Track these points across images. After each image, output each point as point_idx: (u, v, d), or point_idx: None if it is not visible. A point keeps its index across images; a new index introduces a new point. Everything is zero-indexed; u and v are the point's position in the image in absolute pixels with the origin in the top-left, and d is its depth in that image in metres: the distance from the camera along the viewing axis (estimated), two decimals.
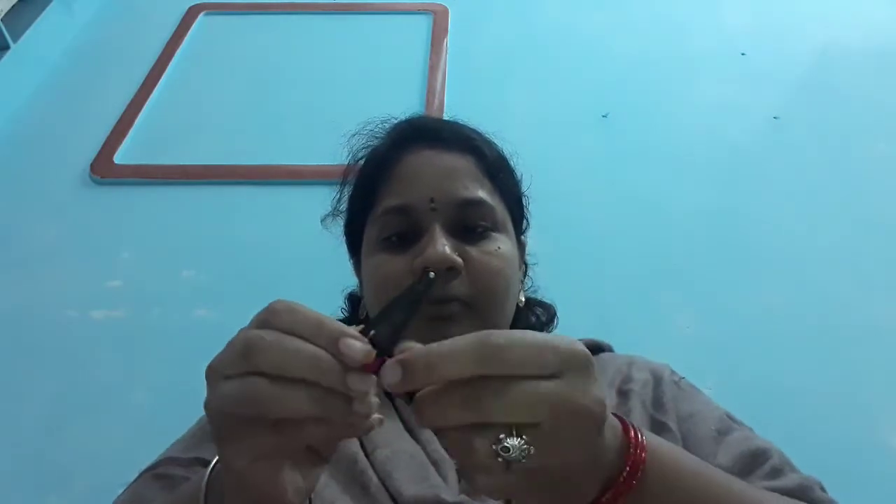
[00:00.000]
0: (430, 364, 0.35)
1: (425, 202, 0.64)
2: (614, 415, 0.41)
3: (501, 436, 0.34)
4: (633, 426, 0.42)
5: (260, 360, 0.35)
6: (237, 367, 0.36)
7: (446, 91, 1.89)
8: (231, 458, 0.38)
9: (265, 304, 0.38)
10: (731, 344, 1.36)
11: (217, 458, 0.45)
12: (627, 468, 0.40)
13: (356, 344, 0.35)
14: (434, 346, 0.35)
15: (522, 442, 0.34)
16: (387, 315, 0.38)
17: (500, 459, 0.33)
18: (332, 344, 0.35)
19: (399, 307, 0.38)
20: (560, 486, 0.38)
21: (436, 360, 0.35)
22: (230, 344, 0.37)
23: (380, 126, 0.75)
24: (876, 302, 1.42)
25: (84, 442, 1.21)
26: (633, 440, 0.41)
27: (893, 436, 1.22)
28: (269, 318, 0.37)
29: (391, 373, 0.35)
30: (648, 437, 0.42)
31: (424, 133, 0.70)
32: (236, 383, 0.36)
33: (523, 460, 0.33)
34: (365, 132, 0.75)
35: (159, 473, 0.60)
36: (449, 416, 0.35)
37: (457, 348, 0.35)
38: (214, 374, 0.38)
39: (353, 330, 0.36)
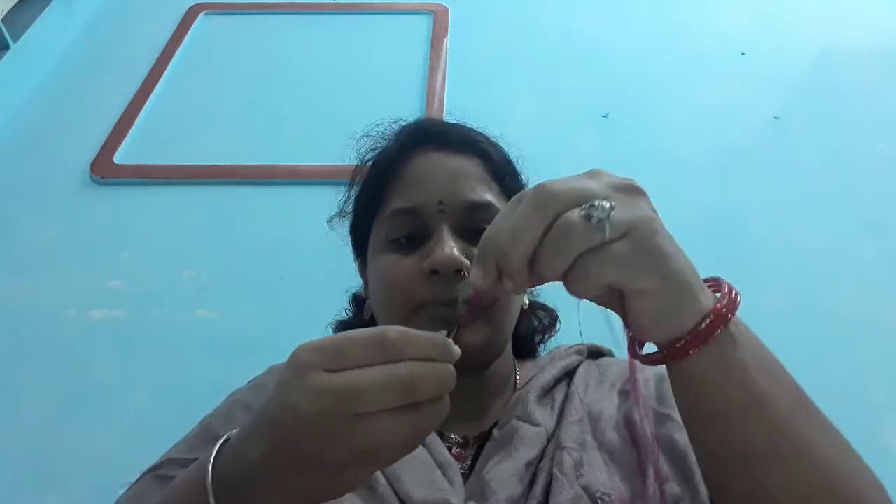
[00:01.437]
0: (487, 235, 0.43)
1: (433, 204, 0.64)
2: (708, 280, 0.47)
3: (584, 205, 0.39)
4: (728, 284, 0.46)
5: (427, 390, 0.39)
6: (397, 400, 0.39)
7: (446, 91, 1.89)
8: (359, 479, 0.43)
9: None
10: None
11: (216, 449, 0.44)
12: (711, 318, 0.44)
13: (455, 348, 0.41)
14: None
15: (604, 202, 0.39)
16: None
17: (594, 221, 0.39)
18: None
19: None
20: (658, 266, 0.43)
21: (490, 229, 0.43)
22: (372, 383, 0.39)
23: (387, 128, 0.75)
24: (876, 302, 1.42)
25: (84, 442, 1.21)
26: (726, 293, 0.46)
27: (893, 437, 1.22)
28: (402, 349, 0.40)
29: (476, 274, 0.43)
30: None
31: (432, 135, 0.70)
32: (404, 420, 0.39)
33: (612, 213, 0.39)
34: (372, 134, 0.76)
35: (161, 475, 0.59)
36: (531, 226, 0.40)
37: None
38: (364, 415, 0.39)
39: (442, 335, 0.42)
